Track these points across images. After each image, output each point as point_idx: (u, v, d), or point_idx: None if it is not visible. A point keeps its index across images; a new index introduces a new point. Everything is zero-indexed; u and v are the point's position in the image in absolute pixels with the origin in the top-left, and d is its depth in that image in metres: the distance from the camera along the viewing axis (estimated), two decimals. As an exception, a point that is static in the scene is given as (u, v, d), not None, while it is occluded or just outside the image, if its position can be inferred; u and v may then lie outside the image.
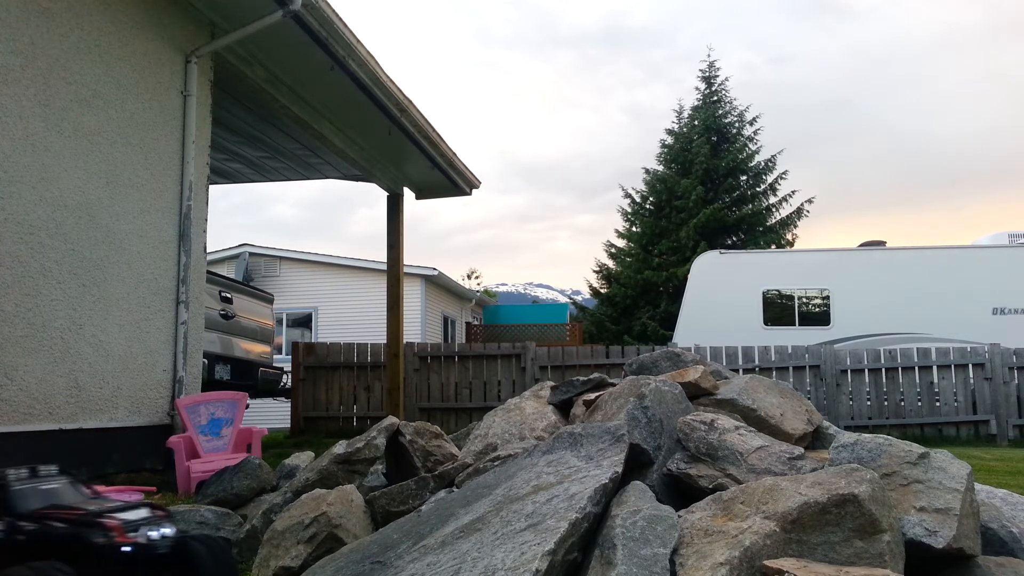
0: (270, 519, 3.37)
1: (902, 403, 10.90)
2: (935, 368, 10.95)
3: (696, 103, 26.52)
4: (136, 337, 5.26)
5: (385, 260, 10.61)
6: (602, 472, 2.34)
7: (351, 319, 18.38)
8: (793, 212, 24.75)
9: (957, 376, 10.88)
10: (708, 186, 24.36)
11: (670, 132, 26.50)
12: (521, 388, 10.55)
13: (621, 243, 26.24)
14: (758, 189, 25.16)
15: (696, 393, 3.38)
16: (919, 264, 13.63)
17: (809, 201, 24.89)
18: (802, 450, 2.72)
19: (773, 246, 23.67)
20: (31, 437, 4.41)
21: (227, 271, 17.65)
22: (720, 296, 14.06)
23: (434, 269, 19.33)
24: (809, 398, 10.66)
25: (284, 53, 6.59)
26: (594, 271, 26.35)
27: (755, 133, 25.57)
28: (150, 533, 2.32)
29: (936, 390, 10.93)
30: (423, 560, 2.20)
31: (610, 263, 26.10)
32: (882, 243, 15.39)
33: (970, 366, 10.82)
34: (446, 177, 9.96)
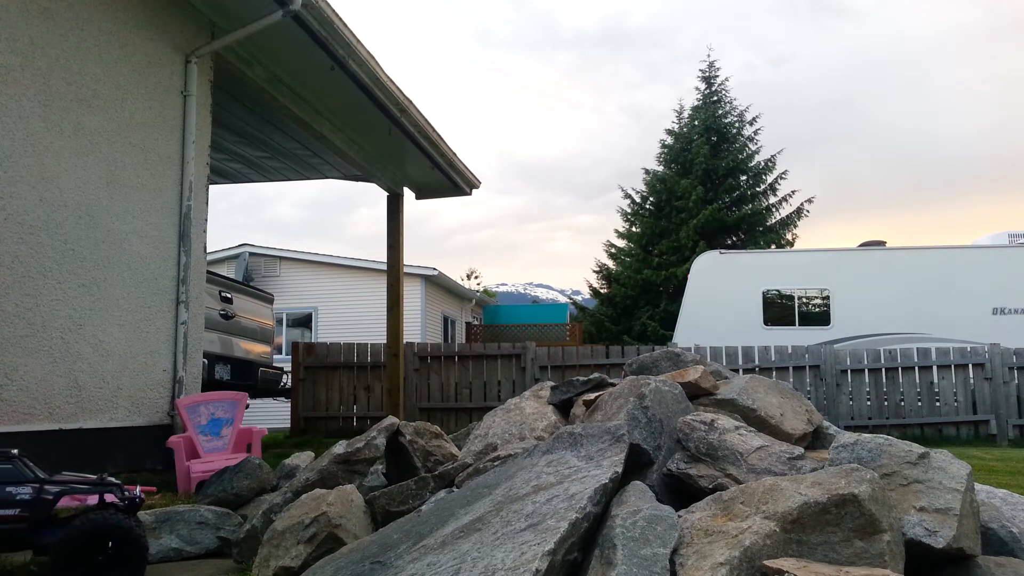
0: (270, 519, 3.37)
1: (902, 403, 10.91)
2: (935, 368, 10.95)
3: (696, 103, 26.54)
4: (136, 337, 5.26)
5: (385, 260, 10.62)
6: (602, 472, 2.34)
7: (351, 319, 18.39)
8: (793, 212, 24.76)
9: (957, 376, 10.88)
10: (708, 186, 24.36)
11: (670, 132, 26.51)
12: (521, 388, 10.55)
13: (621, 243, 26.26)
14: (758, 189, 25.17)
15: (696, 393, 3.37)
16: (919, 264, 13.63)
17: (809, 201, 24.92)
18: (802, 450, 2.72)
19: (773, 246, 23.67)
20: (31, 437, 4.41)
21: (227, 271, 17.65)
22: (720, 296, 14.06)
23: (434, 269, 19.34)
24: (809, 398, 10.66)
25: (284, 53, 6.59)
26: (594, 271, 26.37)
27: (755, 133, 25.59)
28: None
29: (936, 390, 10.94)
30: (423, 560, 2.20)
31: (610, 263, 26.11)
32: (882, 243, 15.40)
33: (970, 366, 10.83)
34: (446, 177, 9.96)
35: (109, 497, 2.91)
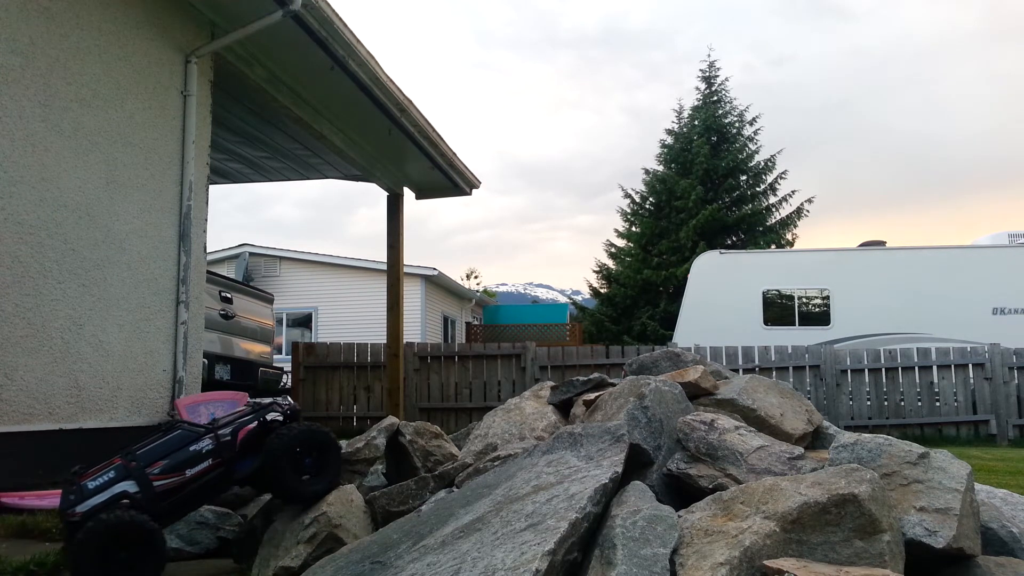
0: (270, 519, 3.37)
1: (902, 403, 10.91)
2: (935, 368, 10.95)
3: (696, 103, 26.57)
4: (136, 337, 5.26)
5: (385, 260, 10.61)
6: (602, 472, 2.34)
7: (351, 319, 18.40)
8: (793, 212, 24.79)
9: (957, 376, 10.89)
10: (708, 186, 24.38)
11: (670, 132, 26.54)
12: (521, 388, 10.56)
13: (621, 243, 26.28)
14: (758, 189, 25.19)
15: (696, 393, 3.37)
16: (919, 264, 13.64)
17: (809, 201, 24.95)
18: (802, 450, 2.72)
19: (773, 246, 23.69)
20: (31, 437, 4.41)
21: (227, 271, 17.67)
22: (720, 296, 14.07)
23: (434, 269, 19.35)
24: (809, 398, 10.66)
25: (284, 53, 6.59)
26: (594, 271, 26.40)
27: (755, 133, 25.62)
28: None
29: (936, 390, 10.94)
30: (423, 560, 2.20)
31: (610, 263, 26.13)
32: (882, 243, 15.41)
33: (970, 366, 10.83)
34: (446, 177, 9.96)
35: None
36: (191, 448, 3.06)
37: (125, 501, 2.85)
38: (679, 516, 2.16)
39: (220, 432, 3.14)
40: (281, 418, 3.28)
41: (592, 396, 3.63)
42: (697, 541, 2.01)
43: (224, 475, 3.12)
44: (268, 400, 3.35)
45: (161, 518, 2.91)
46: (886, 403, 11.02)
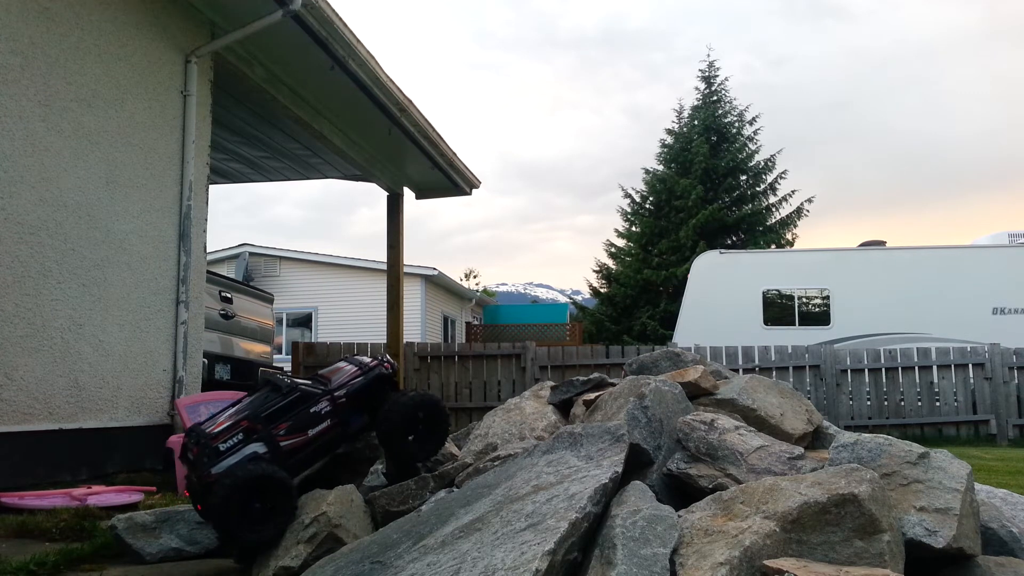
0: (270, 519, 3.37)
1: (902, 403, 10.91)
2: (935, 368, 10.95)
3: (696, 103, 26.57)
4: (136, 337, 5.27)
5: (385, 260, 10.62)
6: (602, 472, 2.34)
7: (351, 319, 18.40)
8: (793, 212, 24.78)
9: (957, 376, 10.89)
10: (708, 186, 24.37)
11: (670, 132, 26.53)
12: (521, 388, 10.55)
13: (621, 243, 26.28)
14: (758, 189, 25.19)
15: (696, 393, 3.37)
16: (919, 264, 13.63)
17: (809, 201, 24.95)
18: (802, 450, 2.72)
19: (773, 246, 23.68)
20: (31, 437, 4.41)
21: (227, 271, 17.66)
22: (720, 296, 14.06)
23: (434, 269, 19.35)
24: (809, 398, 10.66)
25: (284, 53, 6.59)
26: (594, 271, 26.40)
27: (755, 133, 25.62)
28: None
29: (936, 390, 10.94)
30: (423, 560, 2.21)
31: (610, 263, 26.13)
32: (882, 243, 15.40)
33: (970, 366, 10.83)
34: (446, 177, 9.96)
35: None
36: (311, 410, 3.23)
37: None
38: (679, 516, 2.16)
39: (336, 394, 3.34)
40: (387, 375, 3.50)
41: (592, 396, 3.62)
42: (697, 541, 2.01)
43: (341, 433, 3.34)
44: (373, 360, 3.51)
45: (288, 474, 3.13)
46: (886, 403, 11.02)
